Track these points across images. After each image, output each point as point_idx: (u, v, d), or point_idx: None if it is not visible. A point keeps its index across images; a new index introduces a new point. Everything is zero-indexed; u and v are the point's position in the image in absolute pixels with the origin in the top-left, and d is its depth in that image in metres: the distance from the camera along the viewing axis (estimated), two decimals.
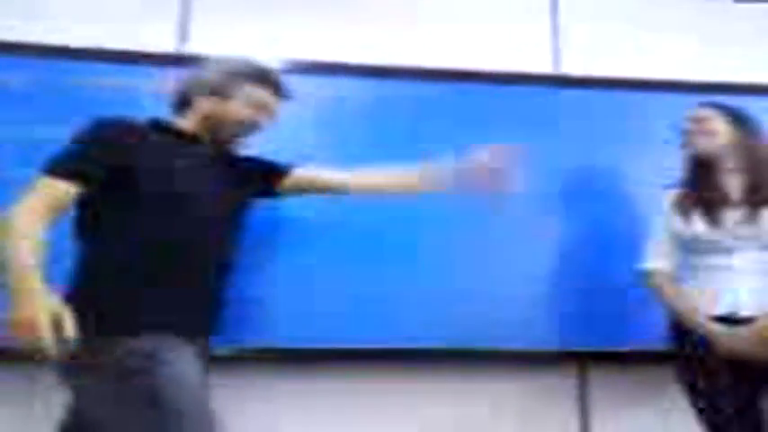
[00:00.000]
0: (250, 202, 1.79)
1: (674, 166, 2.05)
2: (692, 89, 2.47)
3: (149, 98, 2.12)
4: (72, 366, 1.47)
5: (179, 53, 2.34)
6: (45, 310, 1.35)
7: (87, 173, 1.52)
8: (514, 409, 2.29)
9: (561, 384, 2.33)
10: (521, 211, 2.29)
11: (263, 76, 1.70)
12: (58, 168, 1.51)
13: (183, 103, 1.70)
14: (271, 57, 2.10)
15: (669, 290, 1.94)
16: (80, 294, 1.51)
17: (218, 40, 2.36)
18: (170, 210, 1.56)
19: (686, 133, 1.99)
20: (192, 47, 2.36)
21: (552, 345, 2.24)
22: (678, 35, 2.68)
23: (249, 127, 1.70)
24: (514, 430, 2.27)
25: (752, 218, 1.86)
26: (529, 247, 2.29)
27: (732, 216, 1.88)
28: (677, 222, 1.93)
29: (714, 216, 1.88)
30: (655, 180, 2.20)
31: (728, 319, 1.82)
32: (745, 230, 1.86)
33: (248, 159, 1.82)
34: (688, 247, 1.93)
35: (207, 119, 1.67)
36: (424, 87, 2.38)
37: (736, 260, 1.86)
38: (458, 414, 2.26)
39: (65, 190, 1.50)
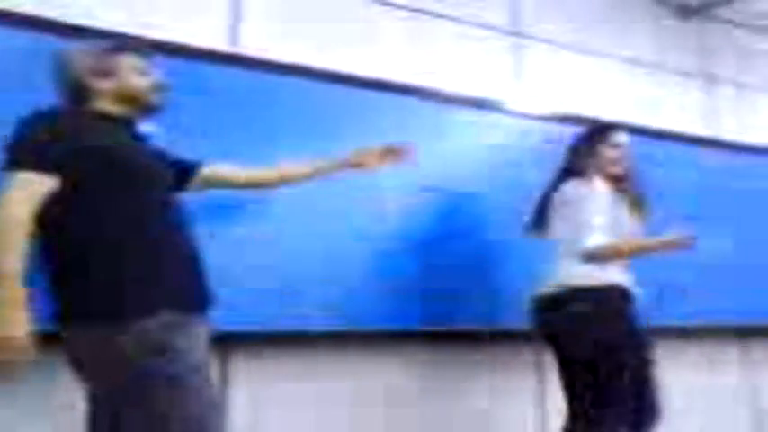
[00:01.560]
0: None
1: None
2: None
3: None
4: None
5: None
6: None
7: (63, 164, 1.49)
8: None
9: None
10: None
11: (126, 45, 1.74)
12: (37, 161, 1.48)
13: (80, 90, 1.67)
14: None
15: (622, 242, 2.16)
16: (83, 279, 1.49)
17: None
18: (145, 186, 1.59)
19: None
20: None
21: None
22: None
23: (151, 93, 1.71)
24: None
25: None
26: None
27: None
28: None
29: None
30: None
31: None
32: None
33: (159, 150, 1.80)
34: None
35: (117, 98, 1.67)
36: None
37: None
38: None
39: (48, 185, 1.49)
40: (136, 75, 1.69)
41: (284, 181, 2.05)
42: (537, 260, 2.33)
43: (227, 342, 2.19)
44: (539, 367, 2.81)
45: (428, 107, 2.73)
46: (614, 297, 2.09)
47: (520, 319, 2.39)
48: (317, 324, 2.32)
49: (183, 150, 1.90)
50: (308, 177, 2.07)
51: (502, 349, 2.74)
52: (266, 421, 2.27)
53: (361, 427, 2.42)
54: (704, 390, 3.17)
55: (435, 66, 2.89)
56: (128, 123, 1.69)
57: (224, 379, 2.25)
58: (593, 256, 2.06)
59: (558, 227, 2.25)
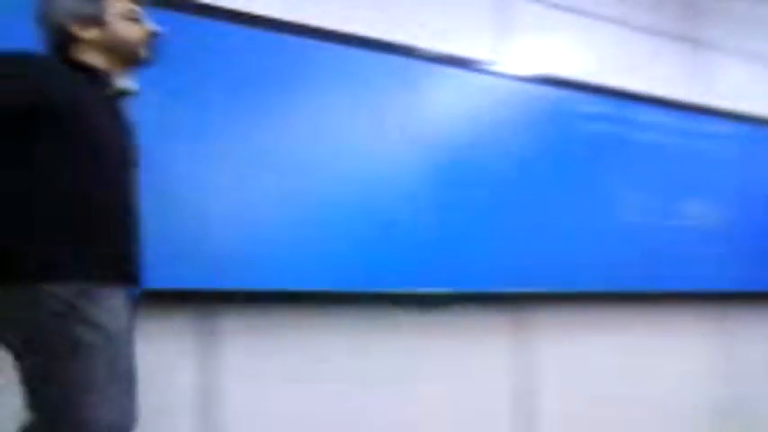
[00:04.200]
0: None
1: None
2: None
3: None
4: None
5: None
6: None
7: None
8: None
9: None
10: None
11: None
12: None
13: (65, 39, 1.52)
14: None
15: None
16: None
17: None
18: (96, 153, 1.47)
19: None
20: None
21: None
22: None
23: (142, 45, 1.58)
24: None
25: None
26: None
27: None
28: None
29: None
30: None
31: None
32: None
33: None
34: None
35: (103, 49, 1.53)
36: None
37: None
38: None
39: None
40: (126, 23, 1.54)
41: None
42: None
43: None
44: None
45: (408, 66, 2.62)
46: None
47: None
48: None
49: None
50: None
51: None
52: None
53: None
54: None
55: (415, 22, 2.75)
56: (105, 78, 1.55)
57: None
58: None
59: None
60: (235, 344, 2.22)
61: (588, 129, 3.05)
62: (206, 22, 2.22)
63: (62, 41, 1.52)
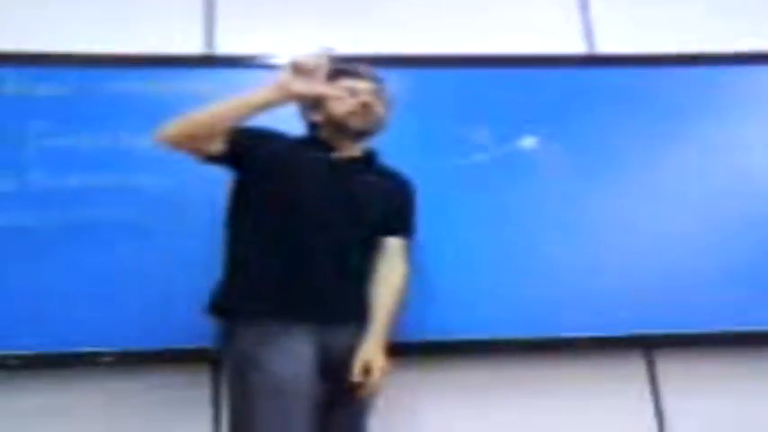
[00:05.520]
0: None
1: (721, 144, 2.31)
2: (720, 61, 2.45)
3: (179, 102, 1.92)
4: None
5: (208, 55, 2.33)
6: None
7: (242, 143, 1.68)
8: None
9: None
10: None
11: (337, 70, 1.73)
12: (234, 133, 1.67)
13: (309, 125, 1.83)
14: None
15: None
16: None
17: (244, 42, 2.35)
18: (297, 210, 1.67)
19: None
20: (220, 49, 2.36)
21: None
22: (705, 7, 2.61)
23: (357, 117, 1.74)
24: None
25: None
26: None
27: None
28: None
29: None
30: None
31: None
32: None
33: (400, 194, 1.86)
34: None
35: (328, 125, 1.77)
36: (458, 74, 2.34)
37: None
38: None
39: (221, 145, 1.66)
40: (338, 101, 1.73)
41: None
42: None
43: None
44: None
45: None
46: None
47: None
48: None
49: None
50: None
51: None
52: None
53: None
54: None
55: None
56: (332, 147, 1.77)
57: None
58: None
59: None
60: (676, 387, 2.24)
61: None
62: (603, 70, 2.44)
63: (309, 128, 1.84)
